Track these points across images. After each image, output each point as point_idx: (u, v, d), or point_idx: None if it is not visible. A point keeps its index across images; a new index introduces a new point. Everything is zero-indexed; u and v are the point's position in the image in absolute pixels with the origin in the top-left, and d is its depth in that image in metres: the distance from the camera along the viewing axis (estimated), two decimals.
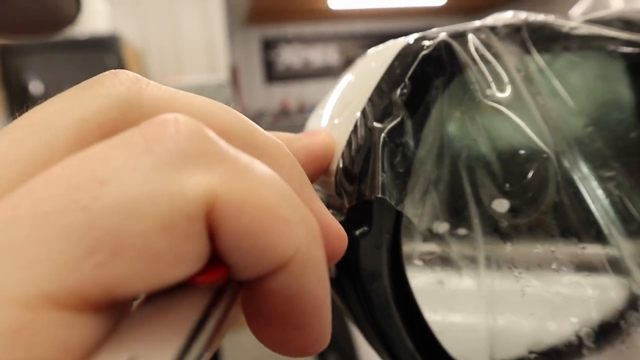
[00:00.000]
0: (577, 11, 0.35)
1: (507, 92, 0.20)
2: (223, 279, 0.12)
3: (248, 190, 0.11)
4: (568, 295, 0.18)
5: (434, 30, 0.21)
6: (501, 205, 0.19)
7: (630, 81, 0.22)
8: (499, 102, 0.19)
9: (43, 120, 0.12)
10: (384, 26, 4.41)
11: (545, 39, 0.21)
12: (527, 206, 0.19)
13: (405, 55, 0.20)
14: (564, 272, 0.18)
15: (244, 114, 0.15)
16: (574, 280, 0.18)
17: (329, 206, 0.21)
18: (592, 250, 0.18)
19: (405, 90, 0.19)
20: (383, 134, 0.18)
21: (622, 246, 0.18)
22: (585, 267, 0.18)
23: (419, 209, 0.20)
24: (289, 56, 4.45)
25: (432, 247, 0.22)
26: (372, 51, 0.24)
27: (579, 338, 0.21)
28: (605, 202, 0.19)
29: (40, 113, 0.12)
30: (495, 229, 0.20)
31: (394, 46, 0.21)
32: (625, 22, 0.21)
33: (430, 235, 0.23)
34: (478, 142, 0.20)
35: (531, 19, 0.22)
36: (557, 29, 0.22)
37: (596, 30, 0.21)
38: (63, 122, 0.12)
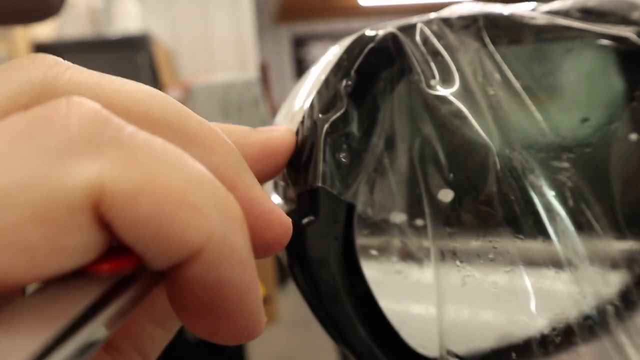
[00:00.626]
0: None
1: (454, 82, 0.20)
2: (130, 268, 0.12)
3: (144, 177, 0.11)
4: (504, 286, 0.18)
5: (391, 22, 0.21)
6: (446, 195, 0.19)
7: (587, 71, 0.21)
8: (443, 92, 0.19)
9: None
10: None
11: (501, 30, 0.21)
12: (468, 196, 0.19)
13: (353, 48, 0.20)
14: (501, 262, 0.18)
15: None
16: (509, 270, 0.18)
17: (285, 197, 0.22)
18: (532, 243, 0.18)
19: (349, 82, 0.19)
20: (326, 125, 0.19)
21: (563, 240, 0.18)
22: (525, 259, 0.18)
23: (369, 199, 0.21)
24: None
25: (388, 238, 0.23)
26: (337, 44, 0.24)
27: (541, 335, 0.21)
28: (551, 194, 0.19)
29: None
30: (442, 220, 0.20)
31: (349, 39, 0.22)
32: (583, 11, 0.21)
33: (388, 226, 0.23)
34: (426, 133, 0.20)
35: (488, 10, 0.22)
36: (514, 20, 0.21)
37: (553, 20, 0.21)
38: None
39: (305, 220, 0.20)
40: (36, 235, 0.10)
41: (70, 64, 0.13)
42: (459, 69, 0.20)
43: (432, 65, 0.19)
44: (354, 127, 0.19)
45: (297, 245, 0.20)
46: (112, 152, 0.11)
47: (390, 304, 0.23)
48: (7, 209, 0.10)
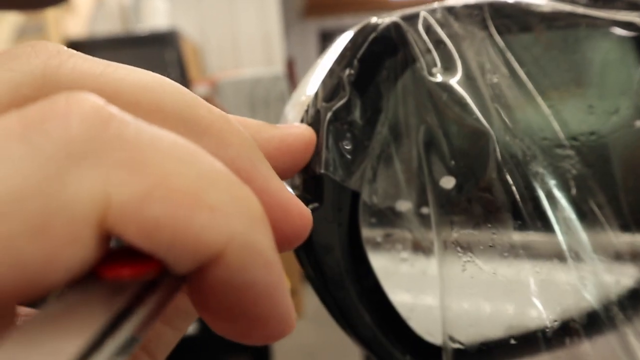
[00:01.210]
0: None
1: (457, 70, 0.20)
2: (153, 272, 0.11)
3: (153, 179, 0.10)
4: (507, 276, 0.18)
5: (396, 12, 0.22)
6: (448, 182, 0.20)
7: (592, 58, 0.21)
8: (446, 80, 0.19)
9: None
10: None
11: (507, 19, 0.21)
12: (469, 182, 0.19)
13: (357, 37, 0.20)
14: (503, 251, 0.18)
15: None
16: (511, 260, 0.18)
17: (291, 184, 0.22)
18: (535, 232, 0.18)
19: (352, 71, 0.20)
20: (329, 113, 0.19)
21: (565, 228, 0.18)
22: (528, 248, 0.18)
23: (374, 187, 0.21)
24: None
25: (394, 226, 0.23)
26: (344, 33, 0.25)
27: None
28: (552, 182, 0.19)
29: None
30: (445, 207, 0.20)
31: (354, 28, 0.22)
32: None
33: (394, 215, 0.23)
34: (430, 121, 0.20)
35: None
36: (519, 7, 0.21)
37: (559, 7, 0.21)
38: None
39: (310, 207, 0.20)
40: (29, 248, 0.09)
41: (73, 51, 0.13)
42: (462, 57, 0.20)
43: (435, 53, 0.20)
44: (357, 116, 0.20)
45: None
46: (116, 154, 0.10)
47: (397, 292, 0.23)
48: None
